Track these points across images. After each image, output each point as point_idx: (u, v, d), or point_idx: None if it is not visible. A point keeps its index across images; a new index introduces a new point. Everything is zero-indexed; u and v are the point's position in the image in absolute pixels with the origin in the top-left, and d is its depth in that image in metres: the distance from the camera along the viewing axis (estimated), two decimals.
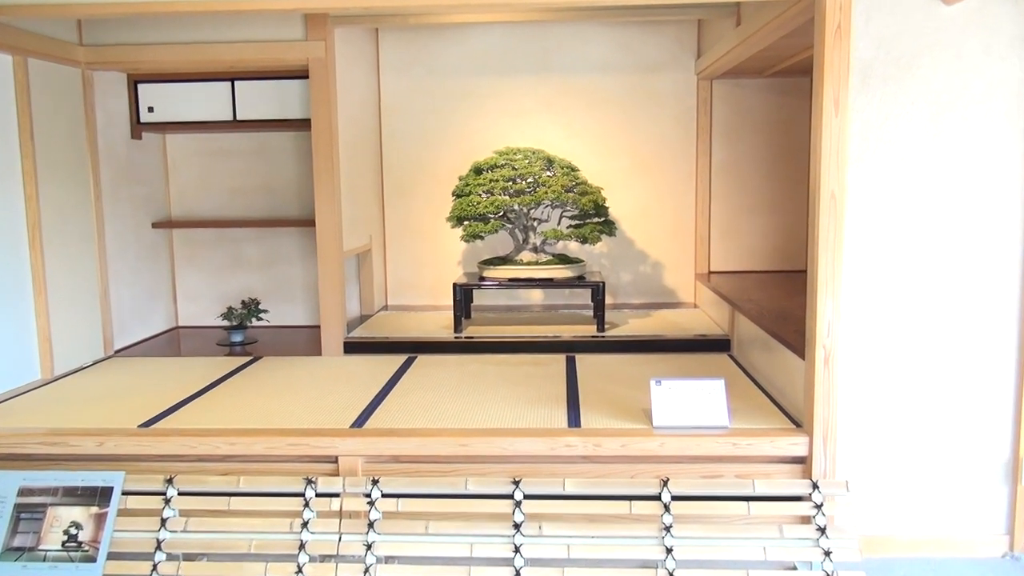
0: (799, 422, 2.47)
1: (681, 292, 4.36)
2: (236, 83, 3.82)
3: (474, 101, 4.31)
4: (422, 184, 4.38)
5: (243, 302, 4.00)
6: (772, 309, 3.13)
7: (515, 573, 2.14)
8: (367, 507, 2.26)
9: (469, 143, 4.30)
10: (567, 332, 3.64)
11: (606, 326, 3.69)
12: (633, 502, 2.22)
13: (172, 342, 4.03)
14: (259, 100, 3.82)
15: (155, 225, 4.16)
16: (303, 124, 3.76)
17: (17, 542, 2.24)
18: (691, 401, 2.46)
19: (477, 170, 3.76)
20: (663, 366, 3.23)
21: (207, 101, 3.85)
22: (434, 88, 4.32)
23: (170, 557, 2.25)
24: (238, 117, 3.85)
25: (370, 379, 3.12)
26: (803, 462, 2.39)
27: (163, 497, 2.31)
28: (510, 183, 3.64)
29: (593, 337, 3.56)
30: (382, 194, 4.41)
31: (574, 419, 2.57)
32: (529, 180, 3.67)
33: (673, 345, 3.49)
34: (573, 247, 4.26)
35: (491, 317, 4.06)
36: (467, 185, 3.71)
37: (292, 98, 3.79)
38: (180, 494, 2.33)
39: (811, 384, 2.35)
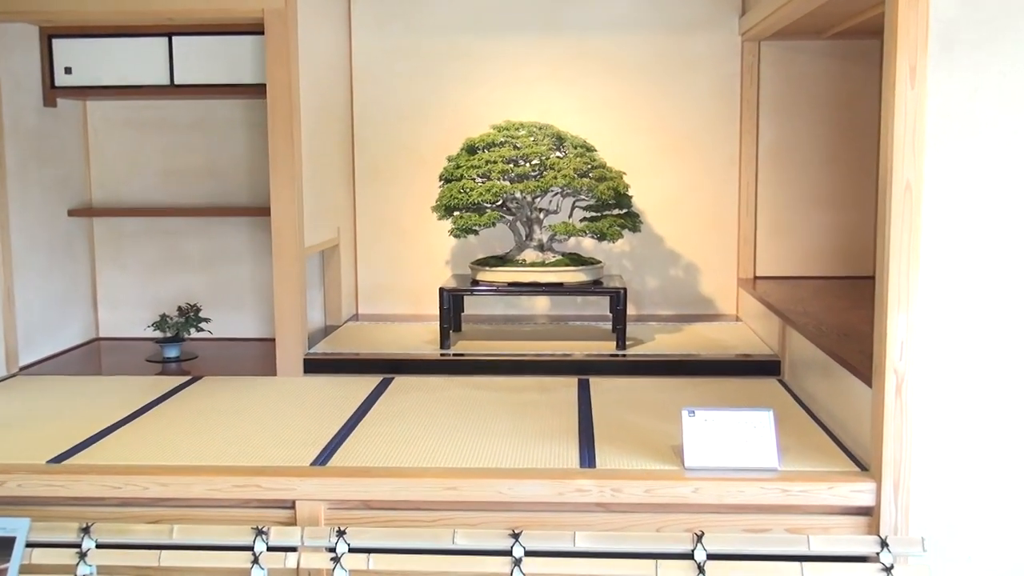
0: (865, 464, 2.47)
1: (720, 301, 4.36)
2: (174, 39, 3.83)
3: (466, 65, 4.31)
4: (402, 166, 4.38)
5: (180, 308, 4.00)
6: (832, 324, 3.14)
7: None
8: (331, 564, 2.26)
9: (460, 116, 4.30)
10: (580, 349, 3.64)
11: (628, 343, 3.70)
12: (660, 561, 2.22)
13: (91, 357, 4.02)
14: (202, 60, 3.83)
15: (72, 213, 4.16)
16: (256, 91, 3.77)
17: None
18: (732, 436, 2.47)
19: (470, 149, 3.76)
20: (697, 393, 3.23)
21: (138, 61, 3.85)
22: (418, 49, 4.32)
23: None
24: (176, 81, 3.86)
25: (336, 405, 3.12)
26: (869, 514, 2.39)
27: (77, 550, 2.31)
28: (511, 165, 3.65)
29: (612, 356, 3.57)
30: (353, 178, 4.41)
31: (587, 457, 2.57)
32: (535, 162, 3.67)
33: (710, 367, 3.49)
34: (588, 245, 4.27)
35: (486, 330, 4.06)
36: (458, 167, 3.71)
37: (243, 58, 3.80)
38: (99, 546, 2.32)
39: (880, 418, 2.35)
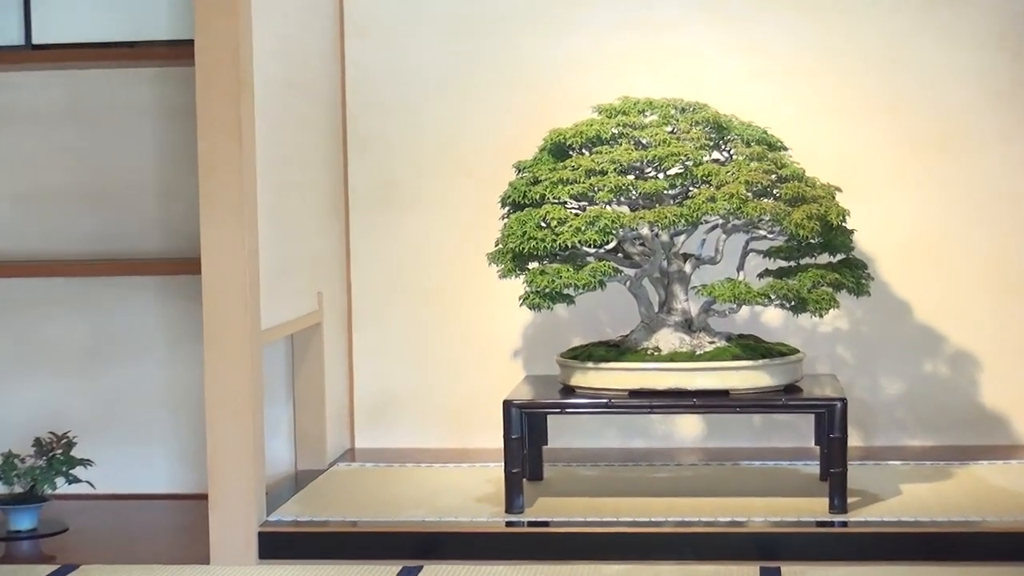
0: None
1: (1020, 423, 4.31)
2: None
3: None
4: (432, 182, 4.43)
5: (39, 442, 4.02)
6: None
7: None
8: None
9: (537, 91, 4.36)
10: (761, 512, 3.59)
11: (850, 499, 3.63)
12: None
13: None
14: (80, 5, 3.91)
15: None
16: (175, 53, 3.85)
17: None
18: None
19: (557, 149, 3.77)
20: None
21: None
22: None
23: None
24: (35, 39, 3.95)
25: None
26: None
27: None
28: (632, 178, 3.64)
29: (821, 525, 3.52)
30: (346, 205, 4.46)
31: None
32: (674, 171, 3.66)
33: (1003, 545, 3.42)
34: (771, 320, 4.26)
35: (587, 478, 4.05)
36: (535, 183, 3.71)
37: (150, 1, 3.88)
38: None
39: None
